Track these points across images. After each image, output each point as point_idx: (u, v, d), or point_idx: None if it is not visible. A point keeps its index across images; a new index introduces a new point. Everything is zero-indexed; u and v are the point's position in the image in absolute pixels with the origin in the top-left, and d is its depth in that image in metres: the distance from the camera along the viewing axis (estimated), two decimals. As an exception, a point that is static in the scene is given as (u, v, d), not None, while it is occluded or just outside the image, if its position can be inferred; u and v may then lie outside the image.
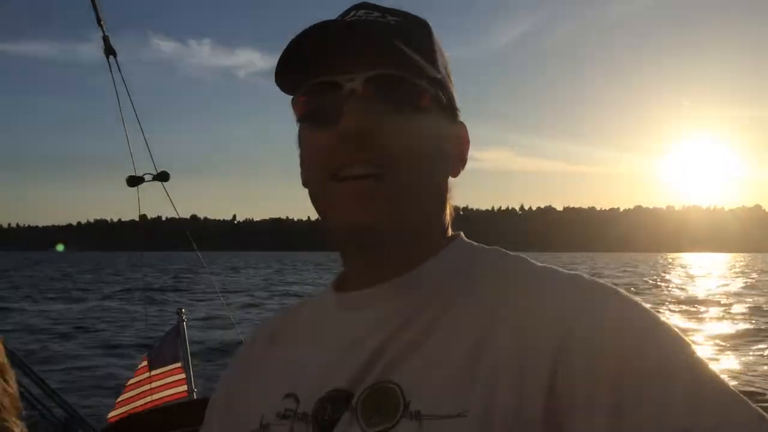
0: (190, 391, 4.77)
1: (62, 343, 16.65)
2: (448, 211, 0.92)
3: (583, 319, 0.73)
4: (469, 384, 0.74)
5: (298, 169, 0.93)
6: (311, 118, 0.86)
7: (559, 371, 0.70)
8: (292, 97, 0.89)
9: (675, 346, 0.71)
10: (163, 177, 5.09)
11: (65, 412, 3.07)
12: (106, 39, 4.26)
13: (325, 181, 0.83)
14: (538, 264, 0.87)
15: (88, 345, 16.24)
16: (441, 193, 0.89)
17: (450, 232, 0.93)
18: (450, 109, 0.90)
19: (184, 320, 5.00)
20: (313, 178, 0.87)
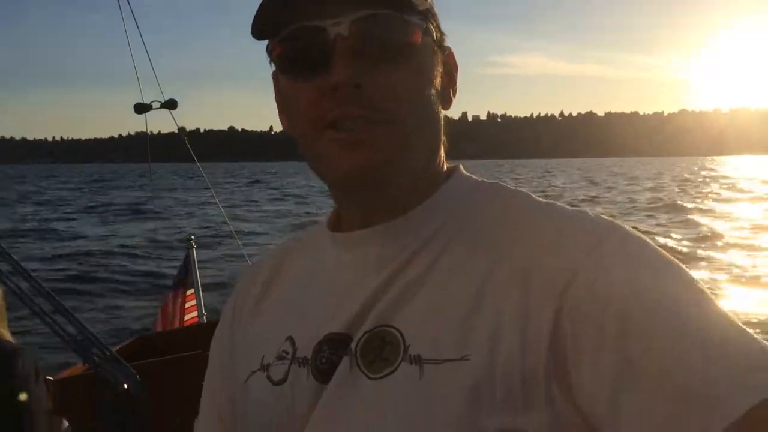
0: (200, 315, 4.98)
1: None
2: (443, 147, 0.88)
3: (589, 259, 0.70)
4: (471, 328, 0.72)
5: None
6: (293, 66, 0.79)
7: (565, 314, 0.68)
8: (267, 42, 0.82)
9: (685, 286, 0.69)
10: (170, 105, 5.13)
11: (77, 330, 3.18)
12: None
13: (317, 132, 0.78)
14: (542, 200, 0.83)
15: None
16: (437, 132, 0.84)
17: (446, 166, 0.90)
18: (439, 38, 0.84)
19: (193, 247, 5.17)
20: (302, 131, 0.81)
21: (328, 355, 0.78)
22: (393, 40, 0.76)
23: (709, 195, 38.85)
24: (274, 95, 0.88)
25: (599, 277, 0.69)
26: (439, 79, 0.83)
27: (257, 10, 0.77)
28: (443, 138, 0.87)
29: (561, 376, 0.68)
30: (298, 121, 0.81)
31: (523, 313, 0.70)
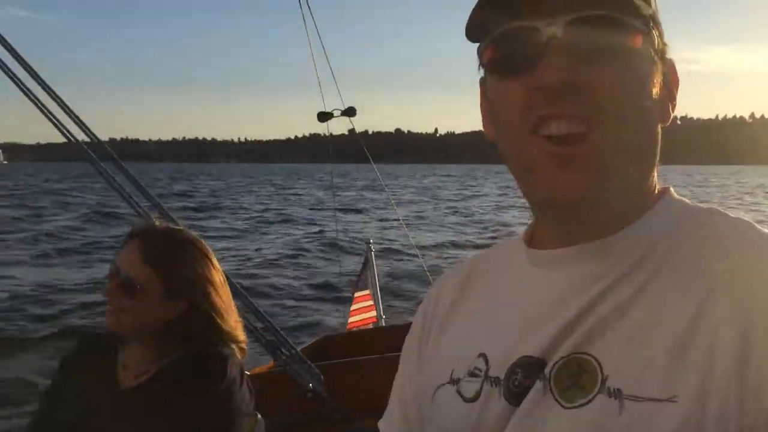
0: (378, 317, 5.11)
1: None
2: (656, 165, 0.81)
3: None
4: (681, 366, 0.66)
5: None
6: (502, 66, 0.76)
7: None
8: (478, 45, 0.79)
9: None
10: (350, 112, 5.40)
11: (269, 331, 3.39)
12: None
13: (521, 136, 0.74)
14: (765, 231, 0.75)
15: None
16: (653, 148, 0.78)
17: (658, 187, 0.83)
18: (661, 47, 0.78)
19: (371, 250, 5.32)
20: (508, 137, 0.77)
21: (521, 378, 0.75)
22: (610, 42, 0.72)
23: None
24: (472, 101, 0.86)
25: None
26: (657, 89, 0.77)
27: (471, 13, 0.75)
28: (657, 155, 0.80)
29: None
30: (505, 125, 0.77)
31: (743, 356, 0.64)
